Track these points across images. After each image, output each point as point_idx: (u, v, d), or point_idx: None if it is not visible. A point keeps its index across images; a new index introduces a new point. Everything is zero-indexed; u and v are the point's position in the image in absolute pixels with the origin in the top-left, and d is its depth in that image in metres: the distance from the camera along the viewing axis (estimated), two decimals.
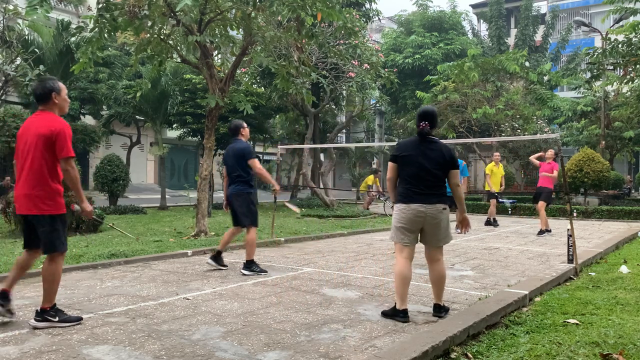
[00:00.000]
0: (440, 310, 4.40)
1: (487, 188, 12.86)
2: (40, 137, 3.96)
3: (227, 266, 6.65)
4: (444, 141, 4.85)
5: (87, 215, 4.25)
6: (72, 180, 4.05)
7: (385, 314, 4.39)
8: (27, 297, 5.00)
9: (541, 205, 10.74)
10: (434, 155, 4.31)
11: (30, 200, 3.97)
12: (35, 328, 3.94)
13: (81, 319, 4.14)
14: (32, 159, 3.98)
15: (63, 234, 4.10)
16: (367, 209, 18.57)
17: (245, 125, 6.74)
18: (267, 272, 6.36)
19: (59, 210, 4.05)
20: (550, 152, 10.98)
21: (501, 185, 12.69)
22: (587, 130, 23.52)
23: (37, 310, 4.05)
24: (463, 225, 4.51)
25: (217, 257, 6.58)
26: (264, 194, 32.50)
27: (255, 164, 6.46)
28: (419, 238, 4.40)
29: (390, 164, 4.46)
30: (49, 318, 4.00)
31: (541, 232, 10.86)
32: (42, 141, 3.96)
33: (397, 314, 4.26)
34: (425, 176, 4.29)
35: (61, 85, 4.18)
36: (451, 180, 4.39)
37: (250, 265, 6.33)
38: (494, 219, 13.09)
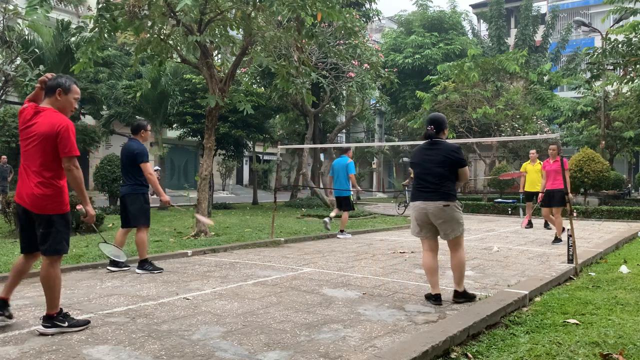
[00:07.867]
0: (458, 296, 4.80)
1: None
2: (42, 134, 3.78)
3: (129, 267, 6.48)
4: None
5: (89, 220, 4.13)
6: (76, 181, 3.88)
7: (426, 296, 4.90)
8: (27, 297, 5.00)
9: (557, 212, 9.41)
10: (436, 156, 4.73)
11: (35, 199, 3.78)
12: (43, 334, 3.78)
13: (89, 322, 4.01)
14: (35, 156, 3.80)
15: (67, 235, 3.92)
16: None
17: (148, 127, 6.67)
18: (162, 270, 6.35)
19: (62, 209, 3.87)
20: (553, 148, 9.12)
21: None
22: (587, 130, 23.51)
23: (43, 317, 3.88)
24: None
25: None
26: (263, 194, 32.50)
27: (147, 168, 6.35)
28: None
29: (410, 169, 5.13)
30: (58, 324, 3.84)
31: (558, 240, 9.33)
32: (45, 138, 3.77)
33: (430, 298, 4.83)
34: (426, 176, 4.74)
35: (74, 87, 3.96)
36: (460, 177, 4.79)
37: (143, 264, 6.34)
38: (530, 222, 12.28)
